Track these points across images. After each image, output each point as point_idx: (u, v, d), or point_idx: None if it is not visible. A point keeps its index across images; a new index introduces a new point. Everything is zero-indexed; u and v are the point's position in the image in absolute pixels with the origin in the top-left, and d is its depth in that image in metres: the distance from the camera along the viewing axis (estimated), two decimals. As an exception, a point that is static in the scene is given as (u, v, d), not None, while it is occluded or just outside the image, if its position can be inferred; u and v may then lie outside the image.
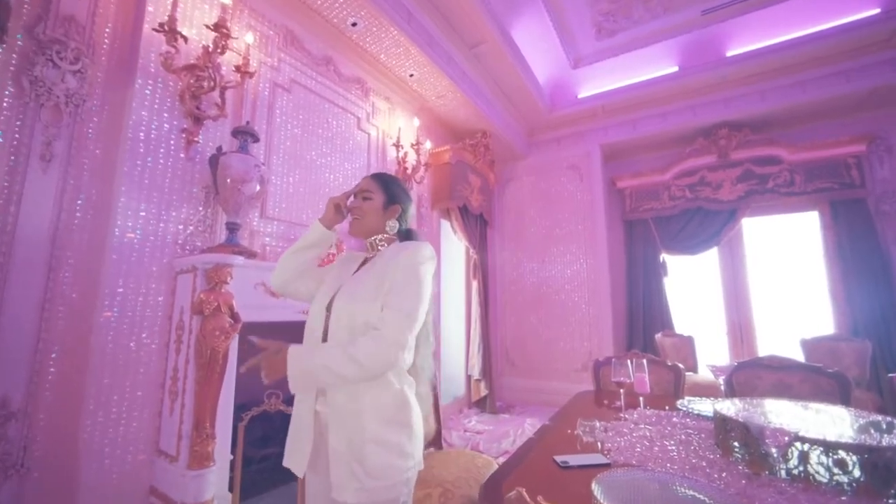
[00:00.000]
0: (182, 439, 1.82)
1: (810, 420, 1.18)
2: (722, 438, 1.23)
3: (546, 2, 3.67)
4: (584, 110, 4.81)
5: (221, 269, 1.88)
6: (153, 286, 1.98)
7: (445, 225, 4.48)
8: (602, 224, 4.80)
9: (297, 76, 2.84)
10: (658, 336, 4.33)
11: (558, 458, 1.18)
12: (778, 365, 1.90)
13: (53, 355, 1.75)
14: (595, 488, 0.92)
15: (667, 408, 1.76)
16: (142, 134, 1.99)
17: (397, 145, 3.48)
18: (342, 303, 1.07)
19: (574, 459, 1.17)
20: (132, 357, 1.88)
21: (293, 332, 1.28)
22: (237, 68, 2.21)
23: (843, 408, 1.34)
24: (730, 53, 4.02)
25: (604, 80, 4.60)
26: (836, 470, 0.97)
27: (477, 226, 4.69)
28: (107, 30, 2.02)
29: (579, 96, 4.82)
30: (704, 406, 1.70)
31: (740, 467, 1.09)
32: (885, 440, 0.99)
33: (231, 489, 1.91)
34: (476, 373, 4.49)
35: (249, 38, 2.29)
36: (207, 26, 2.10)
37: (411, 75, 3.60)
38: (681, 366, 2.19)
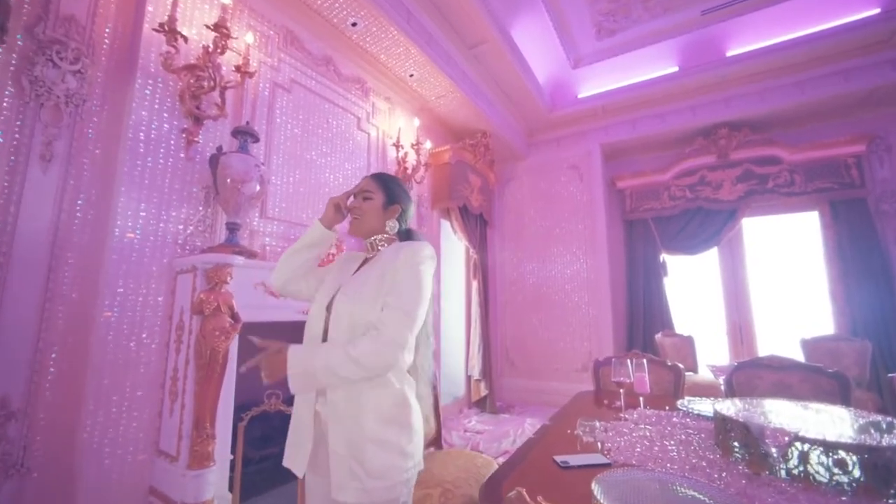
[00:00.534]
0: (182, 439, 1.82)
1: (810, 420, 1.18)
2: (722, 438, 1.22)
3: (546, 2, 3.67)
4: (584, 110, 4.81)
5: (221, 269, 1.88)
6: (153, 286, 1.98)
7: (445, 225, 4.48)
8: (602, 224, 4.80)
9: (297, 76, 2.84)
10: (658, 336, 4.33)
11: (558, 458, 1.18)
12: (778, 365, 1.89)
13: (53, 355, 1.75)
14: (595, 488, 0.92)
15: (667, 408, 1.76)
16: (142, 134, 1.99)
17: (397, 145, 3.49)
18: (342, 303, 1.06)
19: (574, 459, 1.17)
20: (132, 357, 1.88)
21: (293, 332, 1.28)
22: (237, 68, 2.21)
23: (843, 408, 1.33)
24: (729, 53, 4.03)
25: (604, 79, 4.60)
26: (835, 470, 0.97)
27: (477, 226, 4.69)
28: (107, 30, 2.02)
29: (579, 96, 4.82)
30: (704, 406, 1.70)
31: (740, 467, 1.09)
32: (885, 440, 0.99)
33: (231, 489, 1.91)
34: (476, 373, 4.49)
35: (249, 38, 2.29)
36: (207, 26, 2.10)
37: (411, 75, 3.60)
38: (681, 366, 2.19)
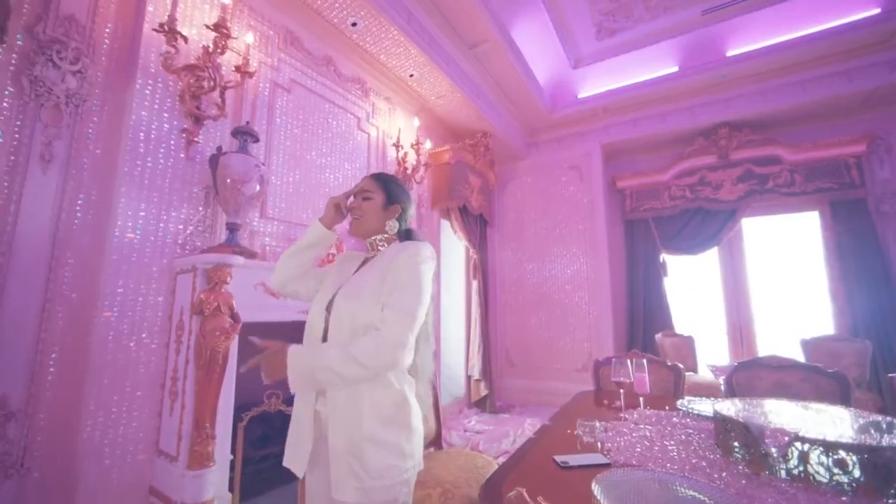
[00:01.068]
0: (182, 439, 1.82)
1: (810, 420, 1.18)
2: (722, 438, 1.22)
3: (546, 2, 3.67)
4: (584, 110, 4.81)
5: (221, 269, 1.88)
6: (153, 286, 1.98)
7: (445, 225, 4.48)
8: (602, 224, 4.80)
9: (297, 76, 2.84)
10: (658, 336, 4.33)
11: (558, 458, 1.18)
12: (778, 365, 1.90)
13: (53, 355, 1.75)
14: (595, 488, 0.92)
15: (667, 408, 1.76)
16: (142, 134, 1.99)
17: (397, 145, 3.49)
18: (342, 303, 1.07)
19: (574, 459, 1.17)
20: (132, 357, 1.88)
21: (293, 332, 1.28)
22: (237, 68, 2.21)
23: (843, 408, 1.33)
24: (730, 53, 4.02)
25: (604, 80, 4.60)
26: (835, 470, 0.97)
27: (477, 226, 4.69)
28: (107, 30, 2.02)
29: (579, 96, 4.82)
30: (704, 406, 1.70)
31: (740, 467, 1.09)
32: (885, 440, 0.99)
33: (231, 489, 1.91)
34: (476, 373, 4.49)
35: (249, 38, 2.30)
36: (207, 26, 2.11)
37: (411, 75, 3.60)
38: (681, 366, 2.19)
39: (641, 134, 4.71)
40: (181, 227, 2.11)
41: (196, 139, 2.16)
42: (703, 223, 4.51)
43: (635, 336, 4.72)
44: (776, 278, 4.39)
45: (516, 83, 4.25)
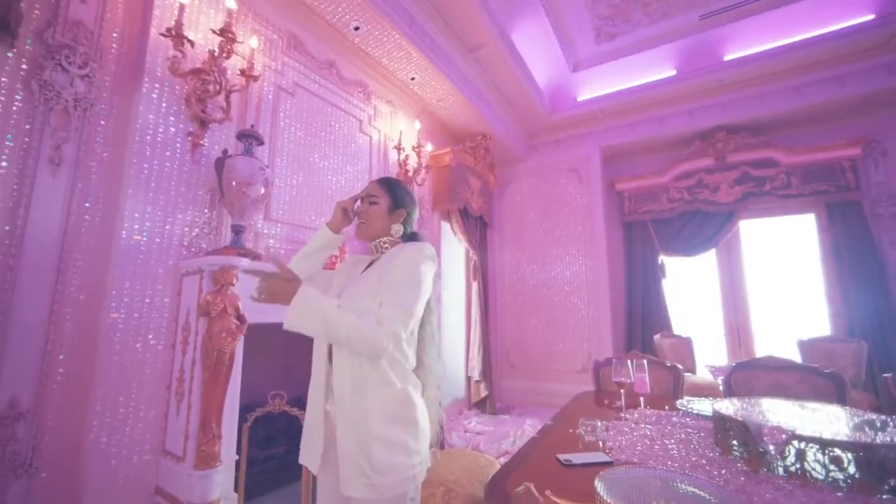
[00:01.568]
0: (188, 440, 1.83)
1: (807, 419, 1.21)
2: (721, 437, 1.25)
3: (546, 6, 3.71)
4: (583, 113, 4.85)
5: (228, 271, 1.90)
6: (159, 288, 1.99)
7: (446, 227, 4.50)
8: (601, 226, 4.83)
9: (300, 80, 2.87)
10: (657, 337, 4.36)
11: (561, 457, 1.21)
12: (775, 365, 1.93)
13: (61, 357, 1.76)
14: (598, 485, 0.94)
15: (666, 407, 1.79)
16: (149, 137, 2.01)
17: (399, 148, 3.51)
18: (346, 301, 1.10)
19: (577, 458, 1.20)
20: (139, 358, 1.90)
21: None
22: (242, 72, 2.23)
23: (839, 407, 1.36)
24: (727, 58, 4.07)
25: (603, 83, 4.64)
26: (831, 467, 0.99)
27: (477, 228, 4.71)
28: (114, 35, 2.04)
29: (578, 99, 4.86)
30: (703, 406, 1.73)
31: (739, 465, 1.11)
32: (879, 438, 1.02)
33: (236, 489, 1.92)
34: (476, 374, 4.51)
35: (254, 42, 2.32)
36: (213, 31, 2.13)
37: (413, 79, 3.63)
38: (680, 366, 2.22)
39: (640, 137, 4.75)
40: (187, 229, 2.13)
41: (202, 142, 2.18)
42: (701, 225, 4.55)
43: (634, 337, 4.75)
44: (773, 280, 4.43)
45: (516, 86, 4.29)
